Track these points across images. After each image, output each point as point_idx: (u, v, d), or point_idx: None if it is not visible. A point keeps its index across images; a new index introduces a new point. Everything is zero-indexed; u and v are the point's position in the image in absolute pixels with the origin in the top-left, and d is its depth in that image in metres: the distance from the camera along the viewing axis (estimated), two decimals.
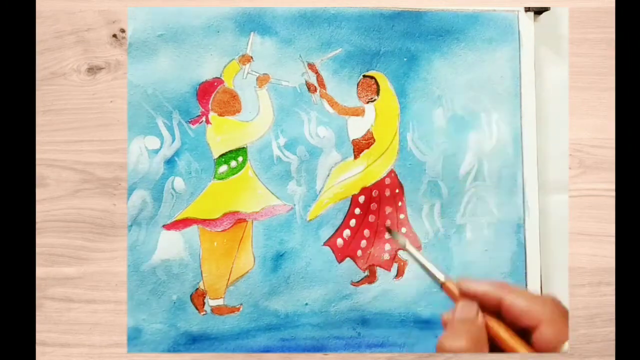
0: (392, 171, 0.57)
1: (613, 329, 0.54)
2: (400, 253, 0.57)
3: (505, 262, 0.58)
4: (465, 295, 0.36)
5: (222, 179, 0.55)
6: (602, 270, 0.55)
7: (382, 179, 0.57)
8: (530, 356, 0.56)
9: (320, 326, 0.56)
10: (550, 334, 0.33)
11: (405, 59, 0.57)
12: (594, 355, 0.55)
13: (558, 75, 0.58)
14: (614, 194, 0.55)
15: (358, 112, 0.57)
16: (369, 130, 0.57)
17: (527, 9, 0.58)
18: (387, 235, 0.56)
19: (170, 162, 0.54)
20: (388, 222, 0.55)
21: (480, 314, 0.35)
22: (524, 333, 0.34)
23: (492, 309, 0.35)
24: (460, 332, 0.34)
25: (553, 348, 0.33)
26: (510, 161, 0.58)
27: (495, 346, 0.35)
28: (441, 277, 0.37)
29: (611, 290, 0.55)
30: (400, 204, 0.57)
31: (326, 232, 0.56)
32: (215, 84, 0.55)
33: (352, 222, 0.56)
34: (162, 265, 0.54)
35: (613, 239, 0.55)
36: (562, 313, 0.34)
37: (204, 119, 0.54)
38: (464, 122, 0.58)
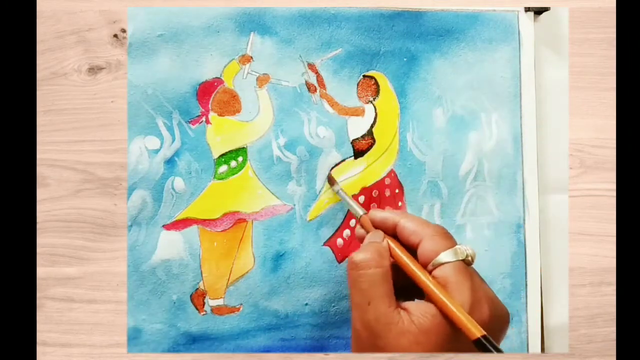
0: (392, 171, 0.57)
1: (614, 329, 0.54)
2: None
3: (505, 262, 0.57)
4: (373, 221, 0.46)
5: (222, 179, 0.55)
6: (603, 270, 0.55)
7: (382, 179, 0.57)
8: (531, 356, 0.56)
9: (320, 326, 0.56)
10: (428, 247, 0.41)
11: (405, 59, 0.57)
12: (594, 355, 0.55)
13: (558, 75, 0.58)
14: (614, 194, 0.55)
15: (358, 112, 0.57)
16: (368, 130, 0.57)
17: (527, 9, 0.58)
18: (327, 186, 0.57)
19: (170, 162, 0.54)
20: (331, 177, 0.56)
21: (386, 239, 0.44)
22: (415, 251, 0.42)
23: (391, 232, 0.44)
24: (367, 248, 0.42)
25: (430, 258, 0.41)
26: (510, 161, 0.58)
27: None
28: (360, 212, 0.48)
29: (612, 290, 0.55)
30: (400, 204, 0.57)
31: (326, 232, 0.56)
32: (215, 84, 0.55)
33: (352, 222, 0.56)
34: (162, 265, 0.54)
35: (614, 239, 0.55)
36: (442, 233, 0.42)
37: (204, 119, 0.54)
38: (464, 122, 0.58)
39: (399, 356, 0.55)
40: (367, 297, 0.40)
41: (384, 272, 0.40)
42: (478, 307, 0.38)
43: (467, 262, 0.41)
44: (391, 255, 0.43)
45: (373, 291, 0.40)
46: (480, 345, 0.36)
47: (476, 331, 0.36)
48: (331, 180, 0.55)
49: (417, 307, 0.39)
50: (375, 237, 0.44)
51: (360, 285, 0.40)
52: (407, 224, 0.43)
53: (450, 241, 0.41)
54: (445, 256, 0.40)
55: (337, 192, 0.54)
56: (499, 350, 0.36)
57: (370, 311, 0.39)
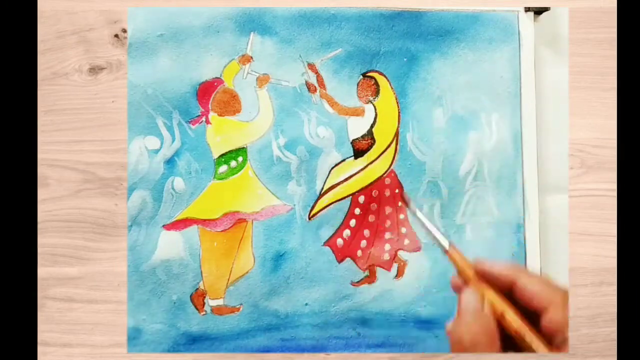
0: (392, 171, 0.57)
1: (615, 329, 0.54)
2: (400, 253, 0.57)
3: (505, 262, 0.57)
4: (480, 274, 0.36)
5: (222, 179, 0.55)
6: (604, 270, 0.55)
7: (382, 179, 0.57)
8: (532, 356, 0.56)
9: (320, 326, 0.56)
10: (559, 316, 0.33)
11: (405, 59, 0.57)
12: (595, 355, 0.54)
13: (558, 75, 0.58)
14: (615, 193, 0.55)
15: (358, 112, 0.57)
16: (368, 130, 0.57)
17: (527, 9, 0.58)
18: (403, 210, 0.56)
19: (170, 162, 0.54)
20: (406, 198, 0.55)
21: (487, 303, 0.35)
22: (533, 316, 0.34)
23: (505, 289, 0.35)
24: (469, 322, 0.34)
25: (560, 332, 0.33)
26: (510, 161, 0.58)
27: (508, 337, 0.34)
28: (446, 244, 0.38)
29: (613, 290, 0.55)
30: (400, 204, 0.57)
31: (326, 232, 0.56)
32: (215, 84, 0.55)
33: (352, 222, 0.56)
34: (162, 265, 0.54)
35: (615, 239, 0.55)
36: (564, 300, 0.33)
37: (204, 119, 0.54)
38: (464, 122, 0.58)
39: (399, 356, 0.55)
40: None
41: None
42: None
43: None
44: (497, 316, 0.35)
45: None
46: None
47: None
48: (406, 201, 0.55)
49: None
50: (474, 301, 0.35)
51: None
52: (528, 286, 0.35)
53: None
54: None
55: (415, 214, 0.45)
56: None
57: None
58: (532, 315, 0.34)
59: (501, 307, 0.35)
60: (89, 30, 0.55)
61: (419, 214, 0.44)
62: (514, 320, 0.34)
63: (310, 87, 0.56)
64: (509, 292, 0.35)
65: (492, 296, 0.35)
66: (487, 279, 0.36)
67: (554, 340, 0.33)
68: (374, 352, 0.56)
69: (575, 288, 0.55)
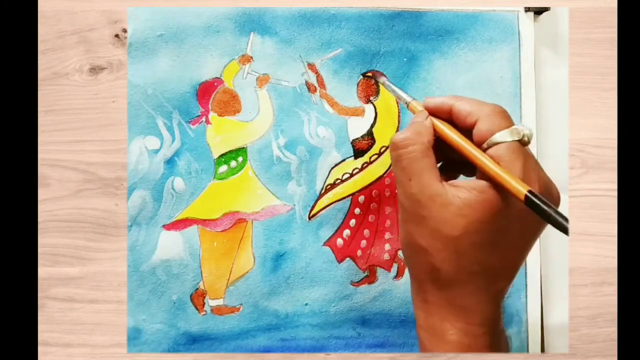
0: (392, 171, 0.57)
1: (615, 329, 0.54)
2: (400, 253, 0.57)
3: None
4: (427, 108, 0.44)
5: (222, 179, 0.55)
6: (604, 270, 0.55)
7: (382, 179, 0.57)
8: (532, 356, 0.56)
9: (320, 326, 0.56)
10: (483, 127, 0.40)
11: (405, 59, 0.57)
12: (595, 355, 0.54)
13: (558, 75, 0.58)
14: (615, 193, 0.55)
15: (358, 112, 0.57)
16: (368, 130, 0.57)
17: (527, 9, 0.58)
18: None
19: (170, 162, 0.54)
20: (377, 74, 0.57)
21: (429, 118, 0.43)
22: (470, 132, 0.41)
23: (446, 116, 0.43)
24: (407, 128, 0.42)
25: (485, 138, 0.39)
26: None
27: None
28: (408, 98, 0.47)
29: (613, 290, 0.55)
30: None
31: (326, 232, 0.56)
32: (215, 84, 0.55)
33: (352, 222, 0.56)
34: (162, 265, 0.54)
35: (615, 239, 0.55)
36: (498, 112, 0.40)
37: (204, 119, 0.55)
38: None
39: (399, 356, 0.55)
40: (408, 174, 0.40)
41: (423, 149, 0.40)
42: (528, 185, 0.37)
43: (522, 143, 0.39)
44: (439, 135, 0.42)
45: (413, 167, 0.40)
46: (530, 204, 0.35)
47: (522, 188, 0.36)
48: (376, 75, 0.56)
49: (464, 183, 0.39)
50: (418, 117, 0.43)
51: (400, 164, 0.41)
52: (462, 106, 0.41)
53: (507, 121, 0.40)
54: (500, 136, 0.39)
55: (383, 84, 0.54)
56: (550, 207, 0.35)
57: (413, 185, 0.40)
58: (469, 132, 0.41)
59: (441, 128, 0.42)
60: (89, 30, 0.55)
61: (384, 81, 0.54)
62: (452, 136, 0.41)
63: (310, 87, 0.56)
64: (450, 118, 0.43)
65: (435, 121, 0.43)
66: (431, 111, 0.44)
67: (481, 148, 0.40)
68: (374, 352, 0.56)
69: (575, 288, 0.55)
